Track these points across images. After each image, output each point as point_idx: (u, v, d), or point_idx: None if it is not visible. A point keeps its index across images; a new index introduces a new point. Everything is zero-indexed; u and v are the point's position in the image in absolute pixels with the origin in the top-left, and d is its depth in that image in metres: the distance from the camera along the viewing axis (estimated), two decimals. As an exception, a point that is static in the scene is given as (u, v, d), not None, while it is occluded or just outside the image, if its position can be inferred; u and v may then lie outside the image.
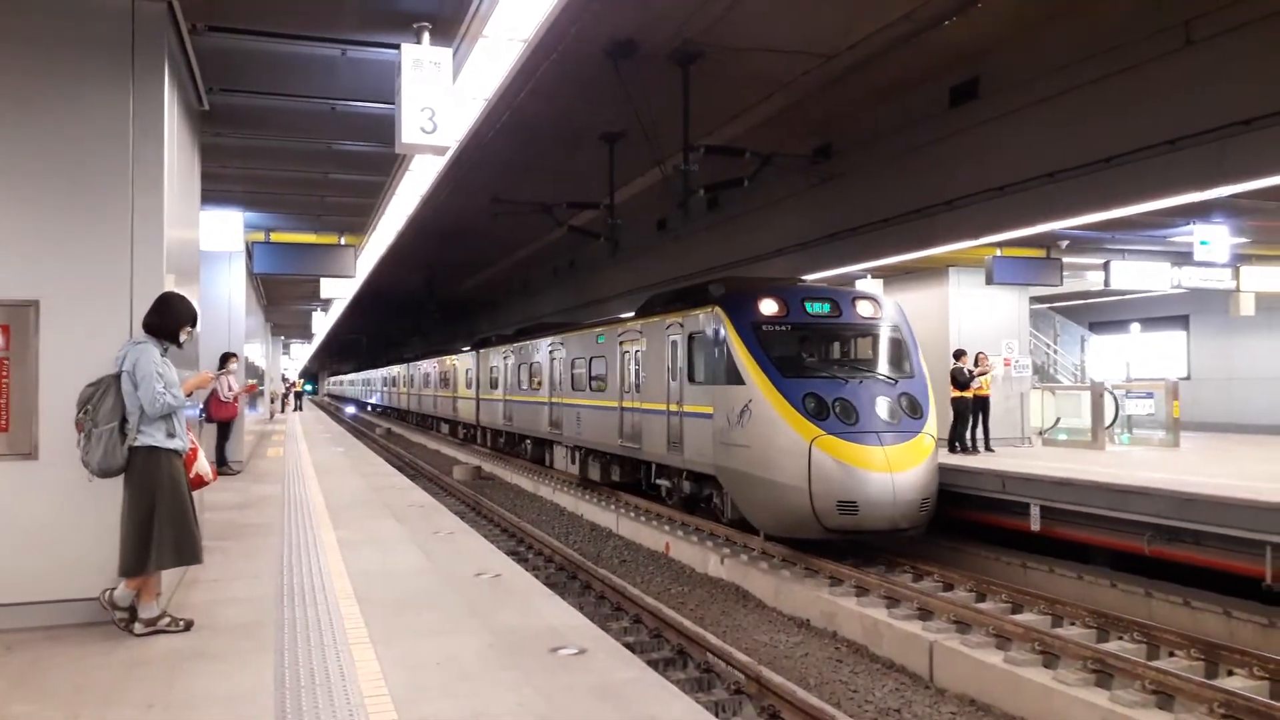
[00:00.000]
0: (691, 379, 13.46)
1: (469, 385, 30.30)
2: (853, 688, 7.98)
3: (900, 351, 12.41)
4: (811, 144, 16.19)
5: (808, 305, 12.41)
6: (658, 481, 15.44)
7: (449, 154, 8.25)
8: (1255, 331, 21.27)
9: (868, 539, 11.43)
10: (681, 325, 13.80)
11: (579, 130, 16.63)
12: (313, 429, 30.43)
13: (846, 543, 11.60)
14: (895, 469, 10.67)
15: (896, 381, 11.85)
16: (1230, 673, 7.51)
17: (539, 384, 21.89)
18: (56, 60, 5.76)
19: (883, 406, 11.34)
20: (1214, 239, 14.79)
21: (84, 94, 5.79)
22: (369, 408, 68.24)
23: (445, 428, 36.93)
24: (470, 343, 32.16)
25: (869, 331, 12.66)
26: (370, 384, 66.03)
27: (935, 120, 13.75)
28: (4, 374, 5.67)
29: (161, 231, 5.93)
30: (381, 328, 60.27)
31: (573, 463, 19.71)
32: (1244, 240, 16.12)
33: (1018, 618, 8.88)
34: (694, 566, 12.58)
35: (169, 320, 5.63)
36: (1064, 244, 15.87)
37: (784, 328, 12.23)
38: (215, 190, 10.98)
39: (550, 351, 21.00)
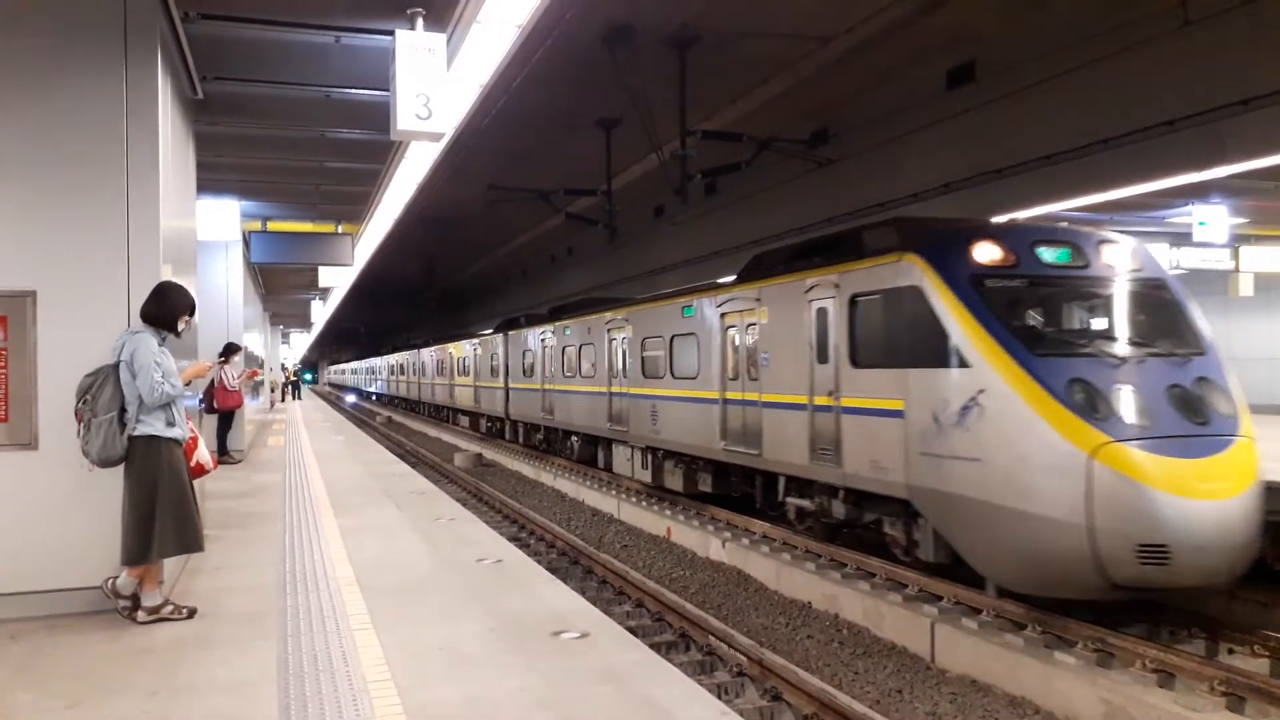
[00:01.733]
0: (856, 360, 9.84)
1: (494, 373, 26.29)
2: (854, 669, 8.02)
3: (1179, 317, 8.77)
4: (809, 128, 16.15)
5: (1041, 252, 8.83)
6: (790, 500, 11.52)
7: (445, 141, 8.23)
8: (1254, 312, 21.27)
9: (1165, 597, 8.12)
10: (836, 285, 10.11)
11: (575, 116, 16.59)
12: (313, 418, 30.44)
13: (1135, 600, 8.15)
14: (1221, 493, 7.21)
15: (1189, 360, 8.23)
16: (1230, 651, 7.55)
17: (592, 370, 18.13)
18: (48, 49, 5.73)
19: (1180, 398, 7.78)
20: (1212, 220, 14.78)
21: (76, 83, 5.77)
22: (374, 397, 64.43)
23: (464, 420, 32.94)
24: (495, 324, 28.24)
25: (1133, 288, 8.89)
26: (375, 372, 62.28)
27: (932, 103, 13.71)
28: (3, 364, 5.67)
29: (157, 221, 5.92)
30: (381, 316, 60.22)
31: (644, 466, 15.81)
32: (1242, 220, 16.11)
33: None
34: (695, 551, 12.61)
35: (166, 310, 5.63)
36: (1062, 226, 15.85)
37: (1018, 283, 8.67)
38: (211, 179, 10.95)
39: (609, 330, 17.26)
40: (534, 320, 23.61)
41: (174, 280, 5.96)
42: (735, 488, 13.42)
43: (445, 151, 11.63)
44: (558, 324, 20.49)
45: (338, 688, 4.52)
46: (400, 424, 41.33)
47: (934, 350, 8.51)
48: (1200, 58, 9.98)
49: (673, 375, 14.53)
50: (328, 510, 9.96)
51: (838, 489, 10.37)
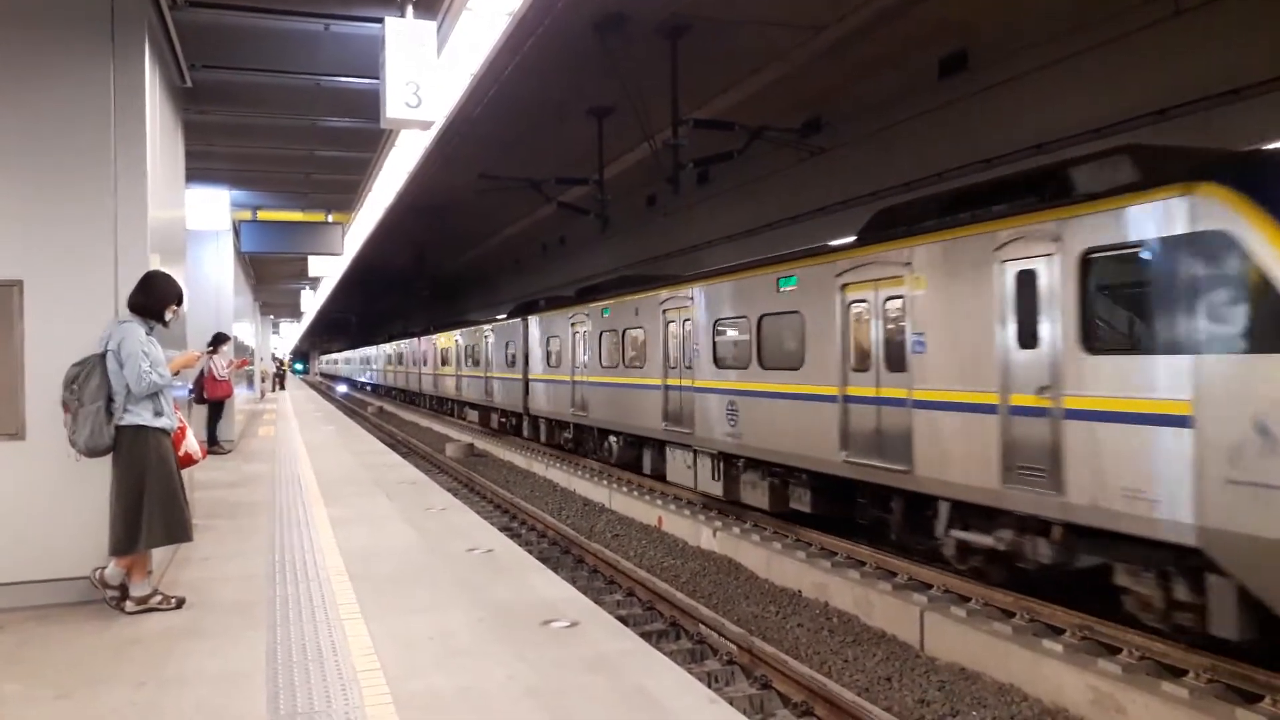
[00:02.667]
0: (1093, 343, 7.23)
1: (511, 363, 23.68)
2: (844, 657, 8.06)
3: None
4: (801, 117, 16.12)
5: None
6: (958, 535, 8.79)
7: (435, 129, 8.21)
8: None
9: None
10: (1056, 239, 7.45)
11: (567, 105, 16.52)
12: (304, 408, 30.39)
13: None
14: None
15: None
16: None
17: (641, 359, 15.51)
18: (35, 38, 5.69)
19: None
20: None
21: (64, 72, 5.73)
22: (369, 389, 62.20)
23: (473, 415, 30.04)
24: (508, 308, 26.02)
25: None
26: (370, 362, 59.41)
27: (924, 92, 13.69)
28: (-11, 354, 5.64)
29: (145, 210, 5.89)
30: (372, 305, 60.09)
31: (714, 477, 13.05)
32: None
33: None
34: (686, 540, 12.64)
35: (154, 299, 5.61)
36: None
37: None
38: (200, 168, 10.89)
39: (666, 311, 14.52)
40: (558, 303, 20.98)
41: (162, 270, 5.93)
42: (859, 510, 10.56)
43: (436, 140, 11.63)
44: (593, 305, 17.67)
45: (327, 677, 4.52)
46: (392, 414, 41.28)
47: (1261, 326, 6.04)
48: (1191, 47, 9.98)
49: (760, 365, 11.80)
50: (318, 500, 9.94)
51: (1048, 524, 7.68)
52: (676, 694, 4.35)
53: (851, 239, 10.67)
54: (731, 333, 12.71)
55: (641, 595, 9.59)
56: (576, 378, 18.69)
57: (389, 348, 50.17)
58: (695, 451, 13.60)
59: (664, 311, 14.58)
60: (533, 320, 22.02)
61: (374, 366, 57.31)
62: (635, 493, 15.19)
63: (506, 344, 24.15)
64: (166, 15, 6.59)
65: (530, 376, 22.08)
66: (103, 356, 5.40)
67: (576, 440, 19.97)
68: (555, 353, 20.17)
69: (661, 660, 4.91)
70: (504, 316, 25.49)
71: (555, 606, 5.76)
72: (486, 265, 39.59)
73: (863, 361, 9.96)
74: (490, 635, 5.18)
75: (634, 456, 16.68)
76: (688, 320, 13.80)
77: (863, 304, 9.96)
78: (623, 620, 7.06)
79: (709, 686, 5.66)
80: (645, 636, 7.08)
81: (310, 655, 4.84)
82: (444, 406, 36.06)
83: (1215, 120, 9.68)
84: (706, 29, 12.75)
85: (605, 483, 16.33)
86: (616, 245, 24.85)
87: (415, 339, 40.60)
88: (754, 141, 14.52)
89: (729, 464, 12.80)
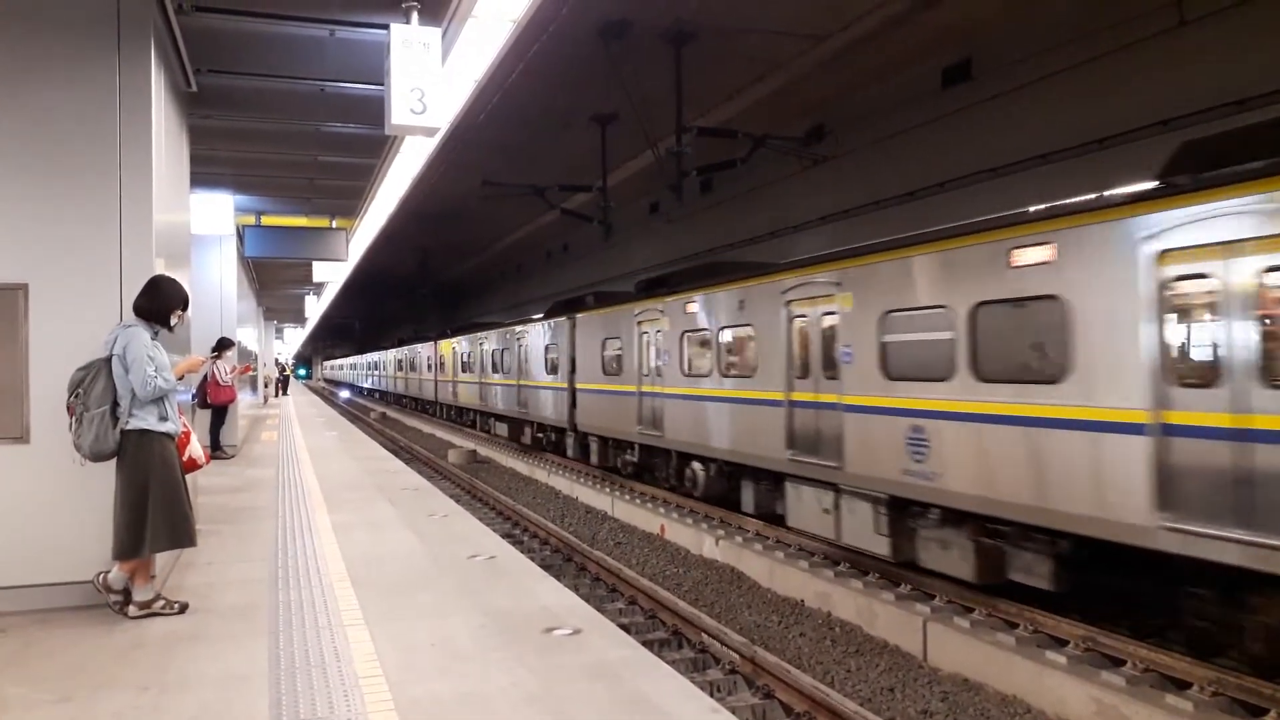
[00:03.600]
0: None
1: (552, 369, 20.48)
2: (846, 667, 8.03)
3: None
4: (804, 125, 16.15)
5: None
6: None
7: (439, 135, 8.22)
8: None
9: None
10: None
11: (571, 112, 16.57)
12: (307, 413, 30.41)
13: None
14: None
15: None
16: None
17: (748, 366, 12.23)
18: (42, 42, 5.71)
19: None
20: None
21: (70, 76, 5.75)
22: (377, 396, 59.11)
23: (501, 428, 26.27)
24: (547, 308, 22.47)
25: None
26: (379, 368, 55.80)
27: (928, 101, 13.71)
28: (-6, 358, 5.65)
29: (150, 214, 5.90)
30: (375, 311, 60.14)
31: (881, 530, 9.55)
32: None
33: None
34: (689, 549, 12.61)
35: (159, 304, 5.61)
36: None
37: None
38: (205, 173, 10.91)
39: (790, 304, 11.11)
40: (608, 299, 18.11)
41: (167, 274, 5.94)
42: (1185, 604, 7.01)
43: (440, 146, 11.66)
44: (672, 300, 14.42)
45: (329, 683, 4.51)
46: (395, 420, 41.29)
47: None
48: (1195, 57, 9.99)
49: (975, 375, 8.34)
50: (320, 506, 9.94)
51: None
52: (679, 703, 4.34)
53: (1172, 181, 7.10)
54: (922, 331, 9.14)
55: (644, 603, 9.56)
56: (646, 388, 15.36)
57: (400, 353, 46.70)
58: (842, 491, 10.19)
59: (789, 303, 11.16)
60: (582, 319, 18.71)
61: (383, 372, 54.15)
62: (638, 501, 15.17)
63: (546, 348, 20.94)
64: (172, 20, 6.61)
65: (578, 385, 18.77)
66: (108, 361, 5.40)
67: (642, 465, 16.30)
68: (614, 357, 16.90)
69: (664, 669, 4.89)
70: (540, 316, 22.26)
71: (557, 614, 5.75)
72: (490, 272, 39.65)
73: (1201, 373, 6.59)
74: (492, 642, 5.17)
75: (724, 489, 13.41)
76: (830, 314, 10.46)
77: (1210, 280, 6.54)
78: (625, 628, 7.05)
79: (711, 696, 5.65)
80: (647, 645, 7.07)
81: (313, 661, 4.83)
82: (464, 417, 32.31)
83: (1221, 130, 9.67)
84: (710, 37, 12.79)
85: (607, 490, 16.30)
86: (619, 252, 24.88)
87: (431, 343, 37.11)
88: (757, 149, 14.54)
89: (902, 512, 9.42)
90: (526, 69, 13.22)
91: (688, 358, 13.97)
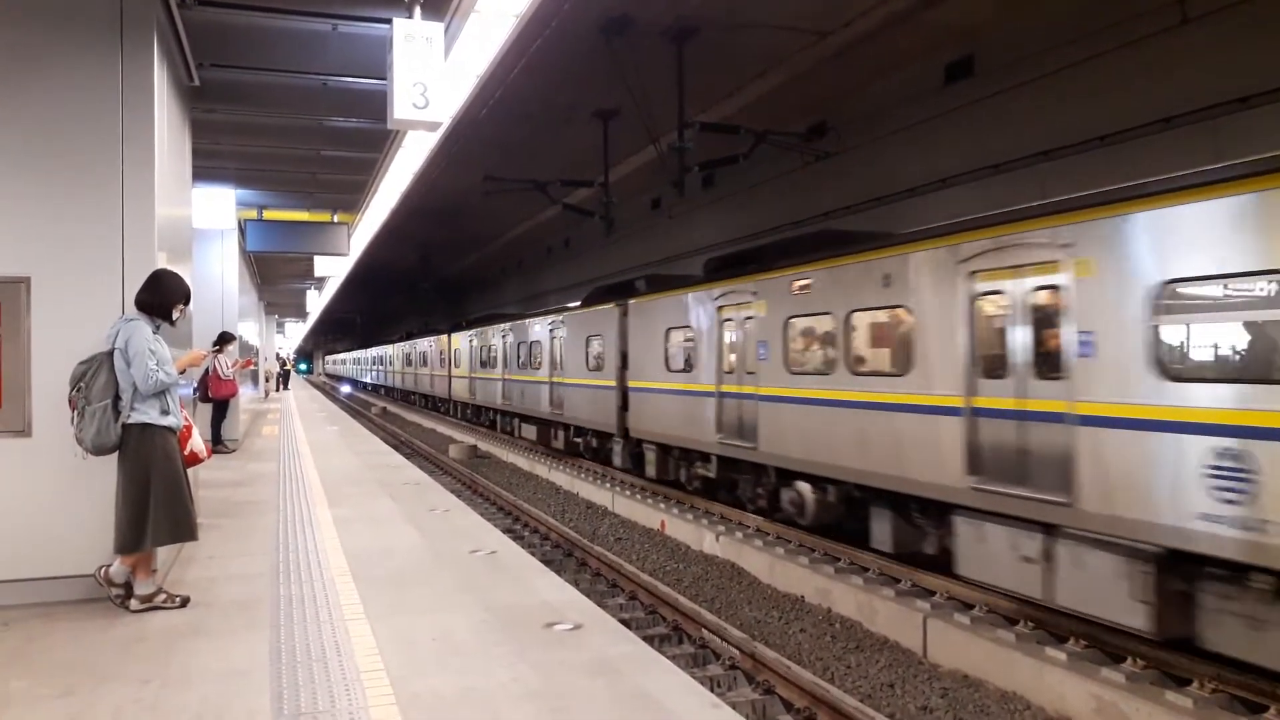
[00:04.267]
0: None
1: (595, 366, 17.98)
2: (846, 663, 8.05)
3: None
4: (807, 122, 16.12)
5: None
6: None
7: (441, 130, 8.22)
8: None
9: None
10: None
11: (573, 107, 16.55)
12: (308, 408, 30.41)
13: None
14: None
15: None
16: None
17: (882, 361, 9.98)
18: (44, 36, 5.71)
19: None
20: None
21: (72, 70, 5.75)
22: (382, 391, 56.39)
23: (530, 430, 23.23)
24: (589, 293, 20.01)
25: None
26: (385, 363, 53.04)
27: (930, 98, 13.69)
28: (-4, 351, 5.65)
29: (153, 208, 5.90)
30: (376, 306, 60.11)
31: (1135, 594, 6.86)
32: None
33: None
34: (689, 544, 12.63)
35: (161, 297, 5.62)
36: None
37: None
38: (207, 167, 10.91)
39: (974, 276, 8.40)
40: (667, 283, 15.59)
41: (169, 268, 5.94)
42: None
43: (442, 141, 11.65)
44: (769, 279, 11.84)
45: (330, 677, 4.52)
46: (396, 415, 41.31)
47: None
48: (1198, 54, 9.97)
49: None
50: (322, 500, 9.95)
51: None
52: (679, 698, 4.35)
53: None
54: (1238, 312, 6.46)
55: (644, 599, 9.58)
56: (728, 387, 12.87)
57: (408, 346, 43.24)
58: (1063, 536, 7.48)
59: (971, 274, 8.43)
60: (636, 306, 16.10)
61: (389, 367, 51.09)
62: (638, 496, 15.18)
63: (588, 340, 18.37)
64: (175, 14, 6.61)
65: (631, 384, 16.24)
66: (110, 354, 5.41)
67: (722, 481, 13.50)
68: (683, 350, 14.35)
69: (664, 664, 4.90)
70: (577, 305, 19.92)
71: (558, 609, 5.76)
72: (491, 267, 39.63)
73: None
74: (493, 637, 5.18)
75: (840, 517, 10.96)
76: (1048, 288, 7.68)
77: None
78: (625, 624, 7.06)
79: (711, 691, 5.66)
80: (648, 640, 7.07)
81: (314, 655, 4.84)
82: (482, 418, 29.16)
83: (1223, 128, 9.66)
84: (713, 33, 12.76)
85: (608, 486, 16.31)
86: (621, 248, 24.86)
87: (445, 335, 34.05)
88: (759, 145, 14.52)
89: (1168, 572, 6.78)
90: (528, 64, 13.20)
91: (796, 350, 11.44)
